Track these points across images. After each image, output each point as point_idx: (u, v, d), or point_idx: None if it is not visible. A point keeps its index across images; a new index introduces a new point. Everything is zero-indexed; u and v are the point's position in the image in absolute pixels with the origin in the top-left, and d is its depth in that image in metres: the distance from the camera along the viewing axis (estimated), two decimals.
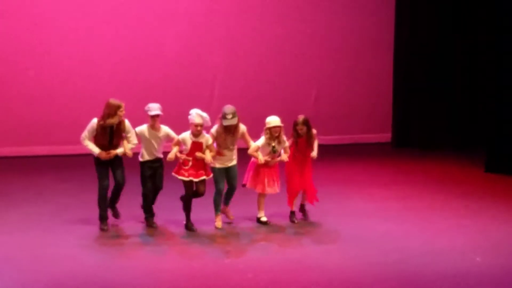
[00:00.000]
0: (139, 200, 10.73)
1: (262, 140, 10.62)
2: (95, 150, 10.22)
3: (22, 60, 15.22)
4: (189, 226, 10.49)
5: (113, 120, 10.17)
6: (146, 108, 10.47)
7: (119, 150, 10.29)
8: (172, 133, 10.52)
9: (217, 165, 10.58)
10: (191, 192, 10.41)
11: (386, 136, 17.19)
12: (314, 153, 10.77)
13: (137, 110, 15.42)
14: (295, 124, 10.72)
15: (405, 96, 16.87)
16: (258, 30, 16.37)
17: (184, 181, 10.37)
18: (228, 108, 10.39)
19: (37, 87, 15.26)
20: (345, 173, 13.91)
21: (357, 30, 16.87)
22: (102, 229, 10.33)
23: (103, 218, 10.42)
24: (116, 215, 10.69)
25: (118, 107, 10.16)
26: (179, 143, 10.40)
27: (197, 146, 10.33)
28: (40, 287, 8.39)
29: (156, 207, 10.74)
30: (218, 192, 10.64)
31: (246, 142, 10.68)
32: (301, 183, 10.86)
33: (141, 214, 10.72)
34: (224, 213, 10.86)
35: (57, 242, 9.89)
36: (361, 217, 10.88)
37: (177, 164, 10.41)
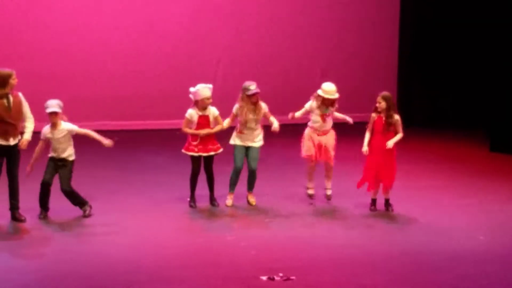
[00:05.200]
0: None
1: (310, 104, 10.45)
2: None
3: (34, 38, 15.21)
4: (192, 203, 10.51)
5: (6, 90, 9.57)
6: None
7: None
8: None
9: (238, 142, 10.56)
10: (197, 169, 10.40)
11: None
12: (390, 142, 10.15)
13: (141, 87, 15.63)
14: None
15: (410, 74, 16.83)
16: (263, 9, 16.31)
17: (192, 157, 10.35)
18: (249, 82, 10.42)
19: (30, 61, 15.06)
20: (348, 152, 13.83)
21: (362, 10, 16.80)
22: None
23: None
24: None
25: (9, 75, 9.60)
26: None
27: (204, 119, 10.30)
28: (47, 269, 8.43)
29: (161, 184, 10.75)
30: (235, 171, 10.60)
31: (268, 119, 10.58)
32: (376, 166, 10.29)
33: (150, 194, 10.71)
34: (247, 198, 10.77)
35: (51, 219, 9.90)
36: (365, 196, 10.85)
37: (186, 140, 10.41)
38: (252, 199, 10.71)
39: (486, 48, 16.02)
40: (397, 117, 10.24)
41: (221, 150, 10.45)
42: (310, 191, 10.85)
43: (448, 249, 8.96)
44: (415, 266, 8.50)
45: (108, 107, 15.22)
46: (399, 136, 10.26)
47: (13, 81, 9.60)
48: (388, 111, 10.18)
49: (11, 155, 9.68)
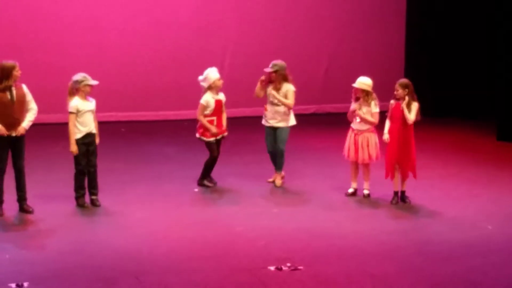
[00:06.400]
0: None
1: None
2: None
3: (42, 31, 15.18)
4: (209, 183, 10.75)
5: (9, 83, 9.50)
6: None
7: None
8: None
9: (264, 123, 10.75)
10: (217, 153, 10.60)
11: None
12: (410, 116, 9.98)
13: (148, 78, 15.62)
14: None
15: (418, 64, 16.78)
16: (268, 1, 16.29)
17: (210, 143, 10.52)
18: (275, 60, 10.68)
19: (36, 53, 15.07)
20: None
21: (368, 2, 16.77)
22: None
23: None
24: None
25: (13, 67, 9.53)
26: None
27: (219, 102, 10.53)
28: (43, 258, 8.45)
29: (169, 175, 10.72)
30: (269, 153, 10.84)
31: (285, 100, 10.57)
32: (396, 154, 10.16)
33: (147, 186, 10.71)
34: (273, 179, 10.94)
35: (58, 210, 9.92)
36: (373, 185, 10.83)
37: (200, 126, 10.51)
38: (278, 181, 10.86)
39: (493, 38, 15.95)
40: (415, 104, 10.04)
41: (226, 133, 10.70)
42: (350, 190, 10.65)
43: (456, 239, 8.94)
44: (423, 256, 8.48)
45: (115, 99, 15.17)
46: (415, 108, 10.00)
47: (17, 73, 9.55)
48: (408, 99, 10.03)
49: (16, 147, 9.65)
